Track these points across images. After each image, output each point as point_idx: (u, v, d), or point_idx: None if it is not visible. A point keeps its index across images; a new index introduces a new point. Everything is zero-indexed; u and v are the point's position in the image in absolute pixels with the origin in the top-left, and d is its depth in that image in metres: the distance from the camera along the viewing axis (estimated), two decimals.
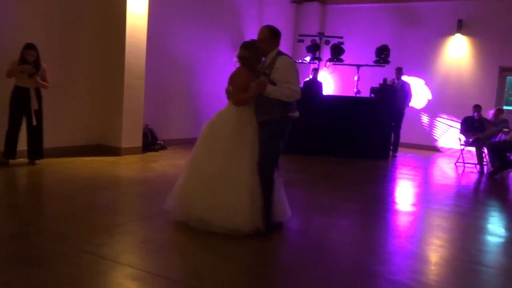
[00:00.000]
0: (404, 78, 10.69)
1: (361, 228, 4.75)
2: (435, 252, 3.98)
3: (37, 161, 6.40)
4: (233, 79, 4.05)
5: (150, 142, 8.56)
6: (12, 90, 6.15)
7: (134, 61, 7.75)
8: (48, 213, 4.36)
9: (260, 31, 4.05)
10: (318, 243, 4.01)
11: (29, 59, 6.07)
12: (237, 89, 3.95)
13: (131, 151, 7.84)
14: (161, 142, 8.82)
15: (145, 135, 8.41)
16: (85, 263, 3.09)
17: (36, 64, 6.15)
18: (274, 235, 4.01)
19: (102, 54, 7.79)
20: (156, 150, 8.54)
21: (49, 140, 6.98)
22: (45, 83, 6.30)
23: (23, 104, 6.16)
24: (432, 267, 3.59)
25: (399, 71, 10.46)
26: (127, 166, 6.90)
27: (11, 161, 6.24)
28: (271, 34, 4.02)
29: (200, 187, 3.92)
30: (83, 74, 7.61)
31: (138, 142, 8.07)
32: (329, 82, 12.94)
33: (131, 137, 7.89)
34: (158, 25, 8.61)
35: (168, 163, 7.30)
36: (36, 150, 6.35)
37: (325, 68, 11.98)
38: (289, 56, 4.06)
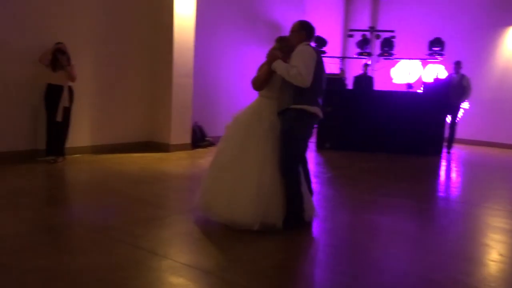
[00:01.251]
0: (462, 71, 10.21)
1: (400, 224, 4.60)
2: (482, 252, 3.79)
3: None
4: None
5: (199, 139, 8.75)
6: (46, 88, 6.24)
7: (182, 60, 7.95)
8: (91, 205, 4.52)
9: (293, 24, 4.11)
10: (353, 239, 3.94)
11: (61, 47, 6.25)
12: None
13: (180, 147, 8.05)
14: (210, 139, 8.99)
15: (194, 132, 8.61)
16: (123, 253, 3.22)
17: (67, 57, 6.31)
18: (306, 231, 3.98)
19: (151, 53, 8.04)
20: (204, 147, 8.71)
21: (99, 138, 7.30)
22: (73, 73, 6.35)
23: (56, 100, 6.24)
24: (476, 268, 3.42)
25: (458, 65, 9.99)
26: (175, 162, 7.09)
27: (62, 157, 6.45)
28: (300, 27, 4.06)
29: (213, 175, 3.98)
30: (133, 73, 7.89)
31: (187, 139, 8.28)
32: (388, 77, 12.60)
33: (180, 134, 8.11)
34: (205, 24, 8.77)
35: None
36: (57, 147, 6.38)
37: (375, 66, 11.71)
38: (311, 47, 4.00)
